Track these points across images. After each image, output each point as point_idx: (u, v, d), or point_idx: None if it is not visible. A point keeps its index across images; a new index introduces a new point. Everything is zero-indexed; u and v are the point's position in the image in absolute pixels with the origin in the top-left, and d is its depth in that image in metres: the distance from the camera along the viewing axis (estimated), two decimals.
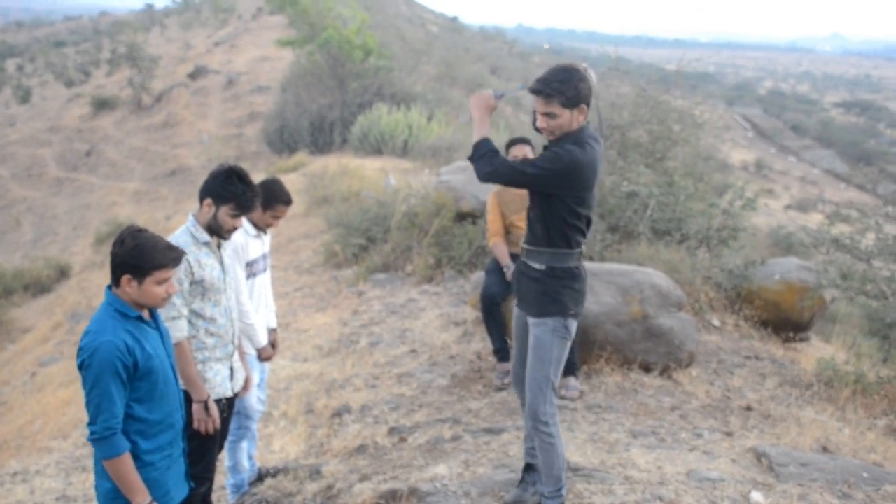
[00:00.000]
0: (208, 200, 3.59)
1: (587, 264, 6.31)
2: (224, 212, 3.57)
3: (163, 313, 3.36)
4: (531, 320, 3.47)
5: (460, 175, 9.64)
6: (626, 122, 9.20)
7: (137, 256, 2.91)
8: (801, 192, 44.38)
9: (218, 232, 3.63)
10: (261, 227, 4.41)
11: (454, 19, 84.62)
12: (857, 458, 4.52)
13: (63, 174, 32.47)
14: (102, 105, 38.13)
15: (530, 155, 5.62)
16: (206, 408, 3.55)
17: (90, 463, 6.26)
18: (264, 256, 4.47)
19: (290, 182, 17.17)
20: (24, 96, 46.87)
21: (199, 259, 3.57)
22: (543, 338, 3.42)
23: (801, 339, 7.34)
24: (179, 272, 3.48)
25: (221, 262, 3.70)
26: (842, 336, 8.53)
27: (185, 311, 3.52)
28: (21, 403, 9.04)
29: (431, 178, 13.11)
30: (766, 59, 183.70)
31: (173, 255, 2.98)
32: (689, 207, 8.05)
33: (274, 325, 4.63)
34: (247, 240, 4.26)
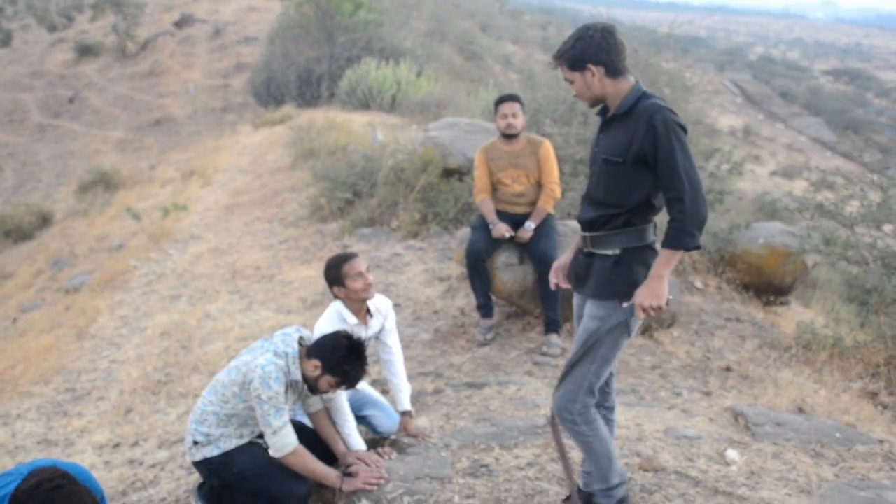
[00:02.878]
0: (317, 363, 3.49)
1: (573, 223, 6.33)
2: (327, 380, 3.50)
3: (270, 425, 3.41)
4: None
5: (448, 131, 9.57)
6: None
7: None
8: (787, 158, 44.49)
9: (312, 389, 3.57)
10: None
11: None
12: (831, 419, 4.61)
13: (45, 120, 31.98)
14: (86, 51, 37.40)
15: (519, 112, 5.57)
16: (349, 474, 3.60)
17: (71, 408, 6.28)
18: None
19: (276, 134, 17.06)
20: (5, 39, 45.81)
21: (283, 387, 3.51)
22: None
23: (782, 303, 7.42)
24: (282, 385, 3.45)
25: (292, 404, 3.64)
26: (821, 301, 8.64)
27: (286, 418, 3.49)
28: (2, 348, 9.01)
29: (419, 133, 13.03)
30: (758, 25, 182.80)
31: None
32: None
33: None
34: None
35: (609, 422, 3.33)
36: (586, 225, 3.12)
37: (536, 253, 5.49)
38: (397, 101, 17.96)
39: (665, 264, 2.86)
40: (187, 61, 34.60)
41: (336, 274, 3.90)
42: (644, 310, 2.88)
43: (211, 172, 15.68)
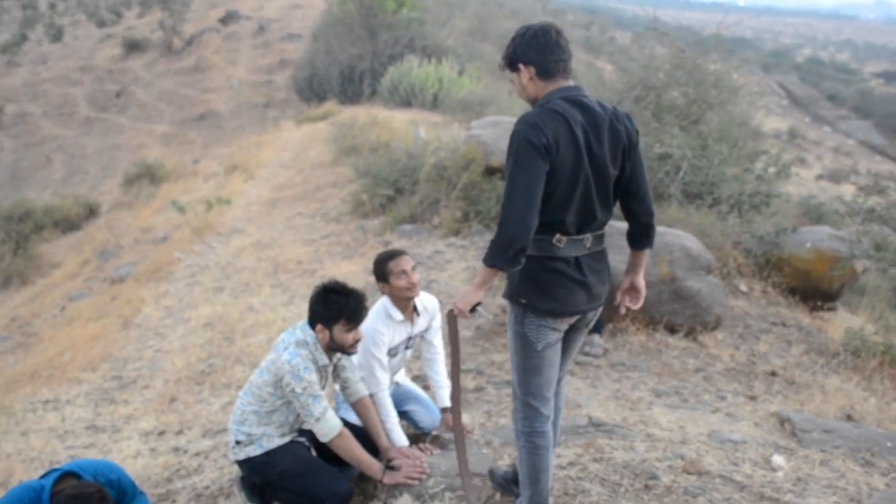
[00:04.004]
0: (319, 326, 3.56)
1: (617, 223, 6.28)
2: (340, 333, 3.54)
3: (311, 414, 3.47)
4: None
5: (491, 130, 9.56)
6: (661, 83, 9.07)
7: None
8: (833, 162, 43.65)
9: (341, 350, 3.62)
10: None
11: None
12: (881, 428, 4.51)
13: (93, 114, 32.65)
14: (133, 47, 38.14)
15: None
16: (391, 467, 3.64)
17: (118, 395, 6.40)
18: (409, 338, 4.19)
19: (318, 131, 17.19)
20: (56, 35, 46.87)
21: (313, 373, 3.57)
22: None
23: (829, 309, 7.28)
24: (313, 373, 3.52)
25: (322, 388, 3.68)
26: (869, 308, 8.46)
27: (325, 403, 3.55)
28: (51, 336, 9.22)
29: (461, 132, 13.03)
30: (806, 26, 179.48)
31: None
32: (722, 172, 7.95)
33: None
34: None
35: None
36: None
37: None
38: (439, 100, 17.98)
39: (479, 276, 2.89)
40: (231, 57, 35.05)
41: (382, 269, 3.93)
42: (457, 311, 2.97)
43: (253, 167, 15.86)
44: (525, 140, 2.72)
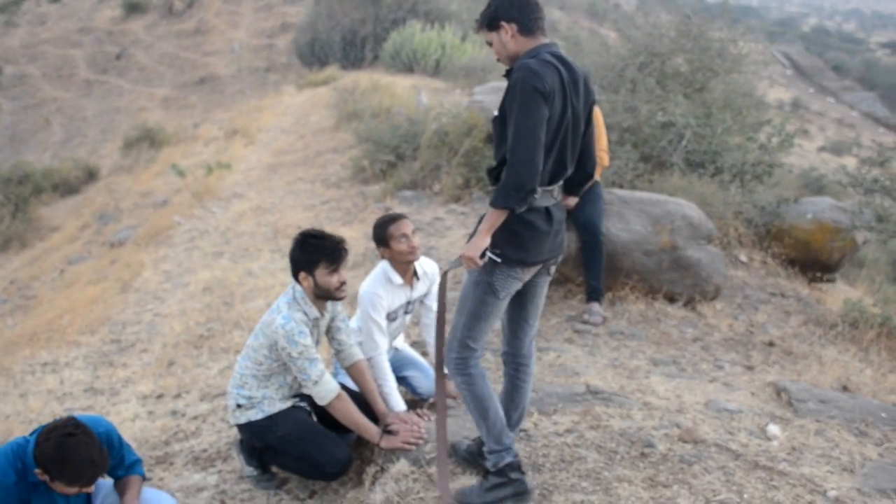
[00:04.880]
0: (302, 274, 3.55)
1: (618, 191, 6.25)
2: (322, 276, 3.53)
3: (309, 377, 3.50)
4: None
5: (493, 96, 9.48)
6: (666, 50, 8.97)
7: (52, 464, 2.76)
8: (836, 134, 43.43)
9: (328, 295, 3.59)
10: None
11: None
12: (876, 399, 4.52)
13: (93, 76, 32.37)
14: (133, 8, 37.66)
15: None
16: (389, 431, 3.64)
17: (117, 358, 6.42)
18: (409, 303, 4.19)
19: (320, 96, 17.07)
20: None
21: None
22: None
23: (828, 280, 7.27)
24: (308, 336, 3.52)
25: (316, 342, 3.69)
26: (867, 280, 8.47)
27: (322, 366, 3.56)
28: (50, 298, 9.23)
29: (463, 98, 12.93)
30: None
31: (90, 475, 2.80)
32: (725, 140, 7.89)
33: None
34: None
35: (517, 378, 3.37)
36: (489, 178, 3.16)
37: (581, 220, 5.43)
38: (441, 65, 17.85)
39: (486, 220, 2.94)
40: (233, 20, 34.68)
41: (382, 234, 3.92)
42: (465, 260, 2.98)
43: (254, 132, 15.77)
44: (531, 86, 2.83)
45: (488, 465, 3.18)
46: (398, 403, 3.90)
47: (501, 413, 3.22)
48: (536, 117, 2.82)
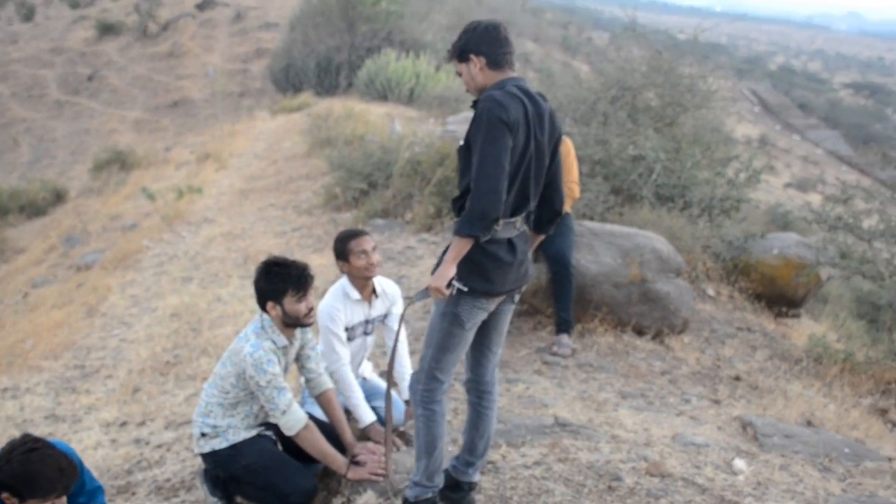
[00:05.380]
0: (270, 303, 3.53)
1: (589, 223, 6.31)
2: (290, 304, 3.51)
3: (277, 407, 3.46)
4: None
5: (466, 126, 9.54)
6: (637, 84, 9.11)
7: (21, 482, 2.67)
8: (802, 170, 44.23)
9: (297, 323, 3.58)
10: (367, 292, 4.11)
11: None
12: (839, 434, 4.58)
13: (64, 97, 32.11)
14: (107, 29, 37.54)
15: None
16: (356, 462, 3.61)
17: (80, 384, 6.31)
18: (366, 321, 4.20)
19: (293, 122, 17.08)
20: (28, 14, 45.98)
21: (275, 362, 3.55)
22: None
23: (793, 315, 7.38)
24: (276, 365, 3.50)
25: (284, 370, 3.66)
26: (831, 316, 8.59)
27: (290, 396, 3.53)
28: (13, 322, 9.06)
29: (436, 127, 13.01)
30: (780, 34, 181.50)
31: (63, 483, 2.73)
32: (693, 175, 8.01)
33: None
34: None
35: (480, 406, 3.38)
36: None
37: (551, 252, 5.46)
38: (415, 94, 17.96)
39: (451, 250, 2.95)
40: (207, 44, 34.68)
41: (342, 248, 3.97)
42: (432, 290, 2.99)
43: (226, 157, 15.72)
44: (496, 116, 2.88)
45: (409, 494, 3.25)
46: (367, 414, 3.91)
47: (443, 456, 3.27)
48: (500, 147, 2.87)
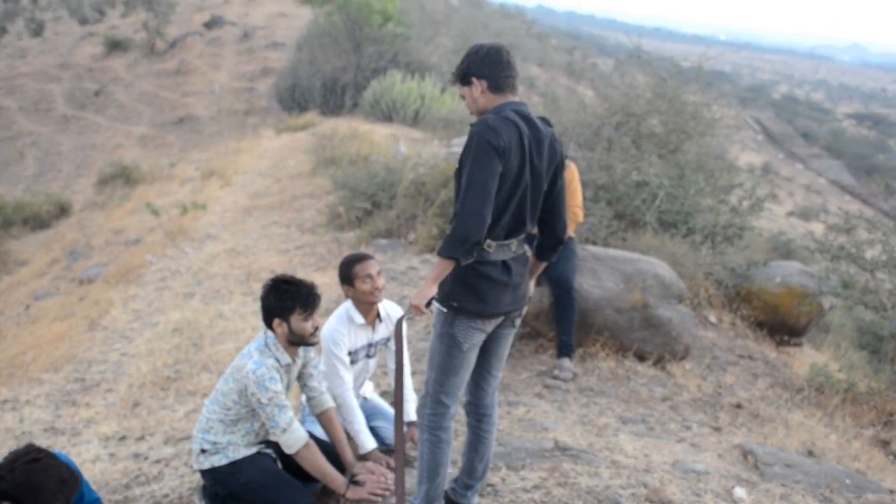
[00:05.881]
0: (276, 321, 3.55)
1: (592, 248, 6.32)
2: (297, 322, 3.53)
3: (278, 425, 3.46)
4: None
5: None
6: (642, 110, 9.17)
7: (24, 492, 2.70)
8: (804, 199, 44.31)
9: (302, 341, 3.59)
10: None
11: None
12: (841, 465, 4.56)
13: (70, 112, 32.26)
14: (115, 46, 37.77)
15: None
16: (356, 482, 3.63)
17: (80, 397, 6.30)
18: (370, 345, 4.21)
19: (298, 140, 17.14)
20: (37, 30, 46.36)
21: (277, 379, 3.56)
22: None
23: (795, 344, 7.38)
24: (279, 382, 3.49)
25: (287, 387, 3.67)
26: (833, 346, 8.58)
27: (291, 414, 3.53)
28: (14, 334, 9.06)
29: (440, 149, 13.07)
30: (784, 64, 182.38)
31: (64, 494, 2.75)
32: (697, 202, 8.04)
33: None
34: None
35: (479, 429, 3.41)
36: None
37: (554, 276, 5.48)
38: (420, 116, 18.03)
39: (434, 270, 3.01)
40: (214, 62, 34.87)
41: (347, 272, 3.97)
42: (412, 308, 3.04)
43: (231, 174, 15.77)
44: (485, 141, 2.92)
45: None
46: (368, 440, 3.90)
47: (444, 484, 3.32)
48: (488, 172, 2.90)
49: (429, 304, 3.04)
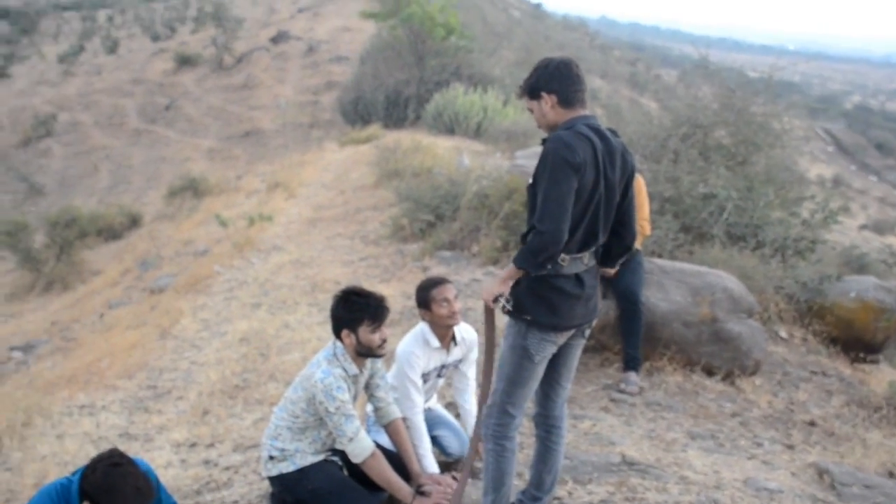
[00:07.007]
0: (345, 331, 3.60)
1: (659, 261, 6.24)
2: (364, 334, 3.58)
3: (344, 434, 3.51)
4: None
5: (535, 160, 9.52)
6: (709, 122, 9.02)
7: (101, 493, 2.82)
8: (879, 212, 42.88)
9: (370, 353, 3.64)
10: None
11: (537, 6, 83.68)
12: None
13: (142, 126, 33.31)
14: (185, 61, 38.95)
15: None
16: (422, 492, 3.65)
17: (152, 404, 6.47)
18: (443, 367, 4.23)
19: (361, 153, 17.35)
20: (112, 47, 48.13)
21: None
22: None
23: (871, 361, 7.13)
24: (346, 392, 3.55)
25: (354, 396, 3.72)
26: None
27: (358, 423, 3.58)
28: (90, 341, 9.36)
29: (503, 161, 13.05)
30: (856, 73, 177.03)
31: (138, 502, 2.85)
32: (766, 214, 7.86)
33: None
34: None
35: (548, 441, 3.41)
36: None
37: (621, 288, 5.42)
38: (482, 128, 18.06)
39: (506, 270, 3.09)
40: (280, 76, 35.60)
41: (424, 297, 3.97)
42: (483, 300, 3.15)
43: (295, 186, 16.03)
44: (561, 157, 2.93)
45: None
46: (431, 465, 3.89)
47: (511, 495, 3.32)
48: (565, 188, 2.91)
49: (496, 300, 3.10)
